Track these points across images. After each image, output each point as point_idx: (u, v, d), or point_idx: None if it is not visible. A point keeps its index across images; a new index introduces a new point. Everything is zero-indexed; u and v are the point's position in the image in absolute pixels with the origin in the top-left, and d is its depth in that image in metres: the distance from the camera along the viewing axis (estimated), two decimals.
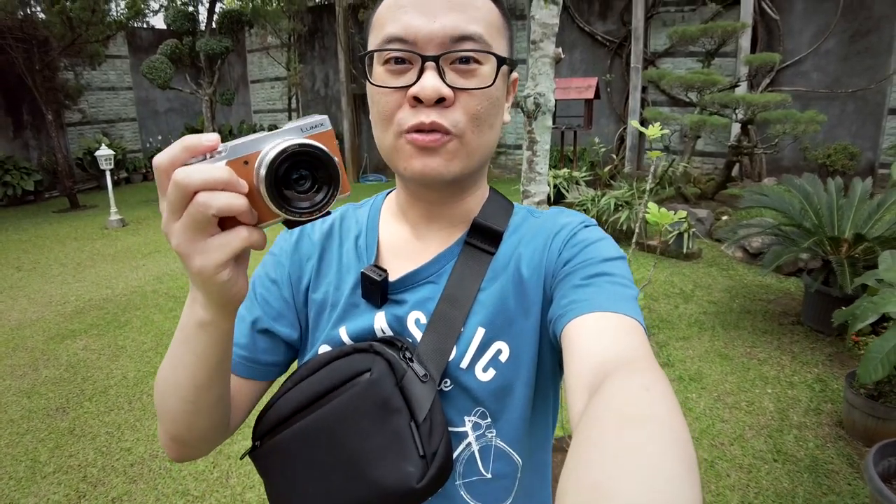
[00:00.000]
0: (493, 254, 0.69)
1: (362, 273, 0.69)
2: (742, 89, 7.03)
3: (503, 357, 0.66)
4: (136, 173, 12.15)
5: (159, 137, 13.03)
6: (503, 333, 0.66)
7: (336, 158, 0.48)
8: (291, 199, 0.47)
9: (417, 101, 0.59)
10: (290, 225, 0.50)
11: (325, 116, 0.50)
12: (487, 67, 0.61)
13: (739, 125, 5.47)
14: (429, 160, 0.61)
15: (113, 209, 7.98)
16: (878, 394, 2.55)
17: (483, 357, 0.66)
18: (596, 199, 5.31)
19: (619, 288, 0.60)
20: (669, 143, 6.81)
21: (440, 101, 0.59)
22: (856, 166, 7.07)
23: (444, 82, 0.59)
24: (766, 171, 7.70)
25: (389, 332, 0.69)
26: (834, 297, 3.40)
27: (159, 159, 0.46)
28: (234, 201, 0.44)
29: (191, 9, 9.36)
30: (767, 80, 7.53)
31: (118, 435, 2.98)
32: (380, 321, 0.69)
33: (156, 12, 10.37)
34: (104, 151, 7.75)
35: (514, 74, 0.69)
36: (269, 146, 0.46)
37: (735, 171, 7.13)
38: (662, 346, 3.64)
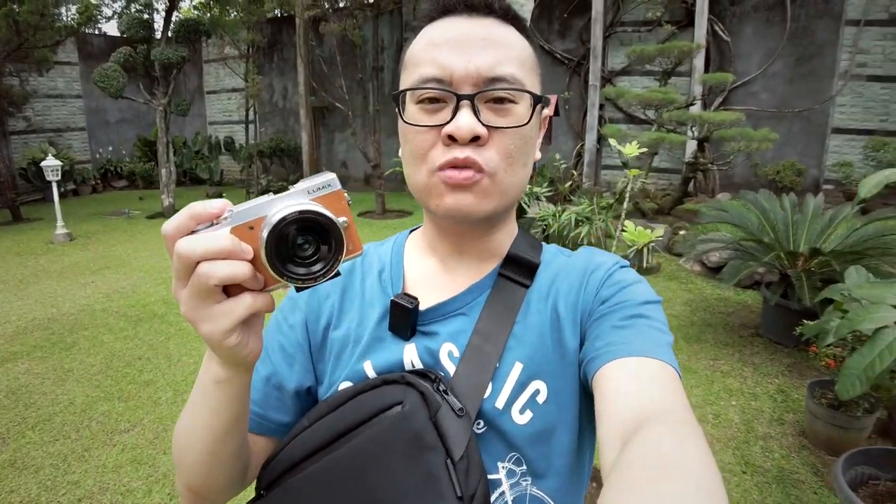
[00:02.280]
0: (527, 286, 0.67)
1: (392, 301, 0.66)
2: (696, 108, 7.28)
3: (540, 398, 0.62)
4: (84, 185, 11.68)
5: (110, 148, 12.57)
6: (541, 372, 0.63)
7: (341, 219, 0.47)
8: (292, 265, 0.46)
9: (452, 139, 0.59)
10: (297, 289, 0.49)
11: (334, 176, 0.48)
12: (522, 106, 0.61)
13: (696, 142, 5.65)
14: (461, 197, 0.60)
15: (59, 222, 7.61)
16: (838, 403, 2.62)
17: (520, 397, 0.62)
18: (557, 215, 5.37)
19: (656, 333, 0.58)
20: (627, 159, 6.98)
21: (475, 140, 0.59)
22: (802, 182, 7.40)
23: (479, 121, 0.58)
24: (720, 187, 7.96)
25: (420, 366, 0.64)
26: (793, 310, 3.50)
27: (166, 228, 0.46)
28: (236, 270, 0.44)
29: (146, 16, 9.09)
30: (720, 100, 7.83)
31: (64, 467, 2.77)
32: (410, 353, 0.65)
33: (109, 18, 10.03)
34: (50, 162, 7.40)
35: (547, 111, 0.69)
36: (274, 212, 0.45)
37: (690, 186, 7.35)
38: None
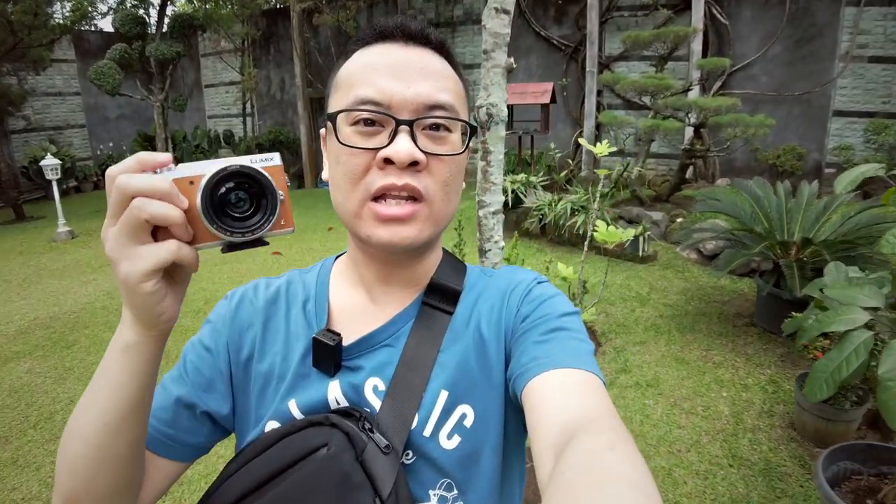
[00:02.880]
0: (451, 314, 0.68)
1: (314, 339, 0.66)
2: (695, 93, 7.20)
3: (468, 422, 0.63)
4: (86, 182, 11.72)
5: (110, 144, 12.60)
6: (467, 396, 0.64)
7: (279, 191, 0.50)
8: (226, 218, 0.48)
9: (388, 163, 0.59)
10: (225, 249, 0.51)
11: (278, 153, 0.52)
12: (456, 135, 0.63)
13: (692, 129, 5.61)
14: (397, 229, 0.60)
15: (61, 220, 7.67)
16: (827, 397, 2.62)
17: (447, 423, 0.63)
18: (553, 204, 5.36)
19: (577, 343, 0.60)
20: (625, 146, 6.92)
21: (412, 165, 0.59)
22: (803, 166, 7.33)
23: (416, 147, 0.59)
24: (720, 172, 7.90)
25: (345, 403, 0.64)
26: (784, 299, 3.49)
27: (112, 169, 0.48)
28: (168, 211, 0.46)
29: (140, 12, 9.06)
30: (718, 84, 7.74)
31: None
32: (334, 391, 0.65)
33: (104, 15, 10.01)
34: (49, 161, 7.43)
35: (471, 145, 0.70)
36: (215, 167, 0.48)
37: (689, 172, 7.30)
38: (619, 352, 3.68)
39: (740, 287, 4.69)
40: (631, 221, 5.47)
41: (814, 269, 3.40)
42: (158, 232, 0.48)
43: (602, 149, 1.61)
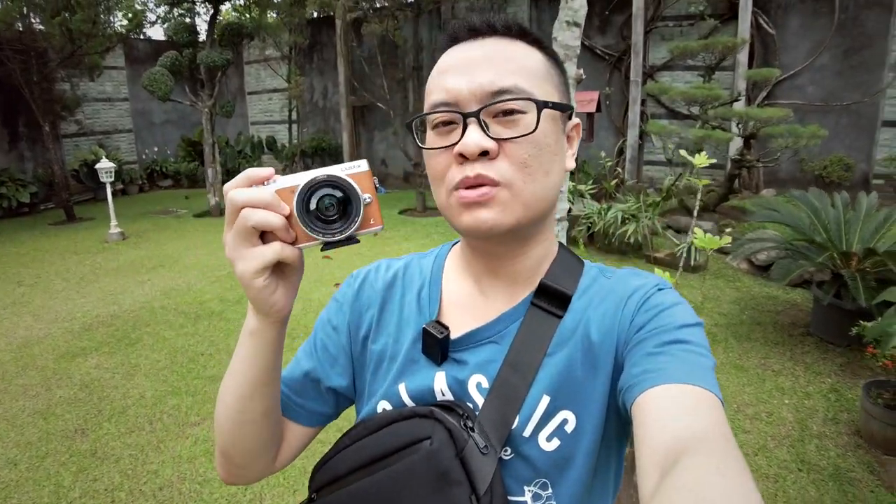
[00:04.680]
0: (560, 317, 0.67)
1: (423, 329, 0.69)
2: (741, 104, 7.16)
3: (569, 427, 0.63)
4: (132, 185, 12.09)
5: (155, 149, 12.98)
6: (570, 403, 0.64)
7: (365, 196, 0.56)
8: (318, 222, 0.55)
9: (463, 157, 0.60)
10: (323, 248, 0.57)
11: (365, 161, 0.57)
12: (530, 116, 0.61)
13: (742, 139, 5.59)
14: (479, 212, 0.61)
15: (113, 222, 7.92)
16: (895, 403, 2.62)
17: (547, 426, 0.64)
18: (602, 212, 5.38)
19: (695, 357, 0.57)
20: (673, 156, 6.92)
21: (484, 155, 0.60)
22: (851, 177, 7.22)
23: (486, 135, 0.60)
24: (764, 183, 7.83)
25: (450, 396, 0.67)
26: (846, 309, 3.48)
27: (227, 186, 0.56)
28: (270, 218, 0.54)
29: (188, 20, 9.37)
30: (764, 94, 7.68)
31: (142, 458, 2.94)
32: (440, 382, 0.68)
33: (153, 23, 10.36)
34: (105, 164, 7.71)
35: (575, 120, 0.70)
36: (308, 178, 0.55)
37: (735, 183, 7.24)
38: None
39: (793, 297, 4.65)
40: (679, 231, 5.46)
41: (878, 280, 3.38)
42: (266, 236, 0.56)
43: (702, 160, 1.66)
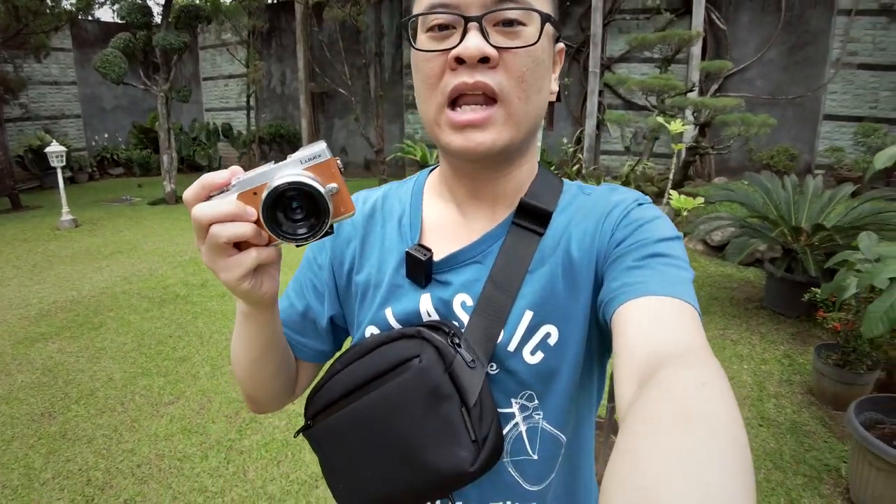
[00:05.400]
0: (541, 234, 0.67)
1: (406, 253, 0.69)
2: (694, 94, 7.47)
3: (552, 340, 0.65)
4: (81, 173, 11.60)
5: (105, 136, 12.47)
6: (552, 317, 0.65)
7: (330, 186, 0.53)
8: (286, 226, 0.53)
9: (460, 62, 0.58)
10: (297, 245, 0.56)
11: (323, 145, 0.53)
12: (531, 28, 0.59)
13: (697, 127, 5.85)
14: (473, 134, 0.60)
15: (65, 209, 7.62)
16: (843, 363, 2.86)
17: (531, 340, 0.65)
18: None
19: (674, 270, 0.57)
20: (630, 144, 7.18)
21: (484, 62, 0.58)
22: (795, 167, 7.65)
23: (487, 42, 0.57)
24: (715, 171, 8.20)
25: (436, 316, 0.68)
26: (797, 281, 3.73)
27: (185, 196, 0.54)
28: (240, 230, 0.52)
29: (141, 1, 9.05)
30: (716, 86, 8.04)
31: (116, 437, 2.88)
32: (426, 304, 0.68)
33: (102, 4, 9.93)
34: (55, 148, 7.39)
35: (560, 45, 0.68)
36: (272, 181, 0.52)
37: (689, 170, 7.56)
38: None
39: (747, 275, 4.94)
40: None
41: (825, 253, 3.64)
42: (241, 243, 0.54)
43: (677, 126, 1.77)
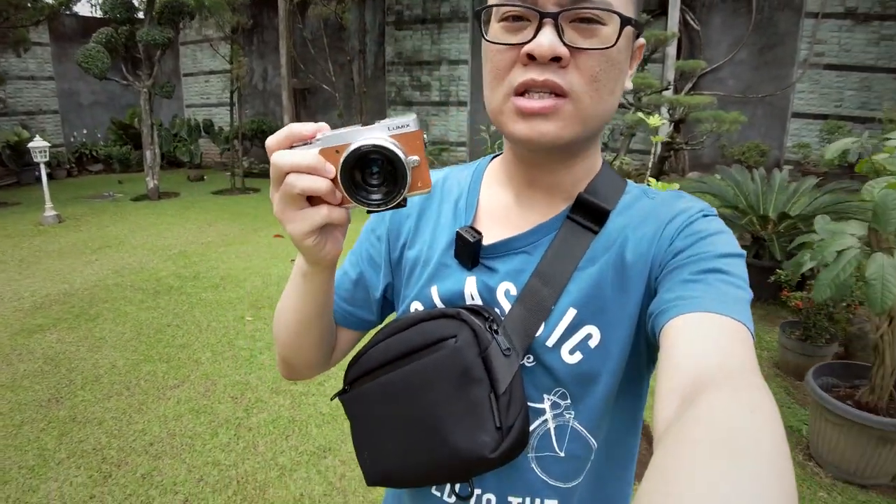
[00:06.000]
0: (596, 232, 0.65)
1: (457, 232, 0.69)
2: (669, 93, 7.76)
3: (593, 342, 0.63)
4: (59, 169, 11.45)
5: (84, 131, 12.33)
6: (595, 318, 0.63)
7: (412, 157, 0.52)
8: (363, 190, 0.53)
9: (531, 59, 0.56)
10: (368, 211, 0.55)
11: (415, 117, 0.53)
12: (609, 28, 0.57)
13: (672, 124, 6.13)
14: (538, 124, 0.58)
15: (48, 204, 7.56)
16: (805, 337, 3.14)
17: (571, 339, 0.63)
18: None
19: (732, 289, 0.54)
20: (608, 140, 7.44)
21: (556, 61, 0.56)
22: (765, 162, 8.01)
23: (561, 41, 0.56)
24: (689, 167, 8.53)
25: (479, 300, 0.68)
26: (765, 267, 4.02)
27: (269, 142, 0.54)
28: (316, 184, 0.51)
29: None
30: (690, 85, 8.36)
31: (126, 419, 2.99)
32: (470, 286, 0.68)
33: None
34: (38, 143, 7.34)
35: (641, 40, 0.65)
36: (356, 141, 0.52)
37: (664, 166, 7.87)
38: None
39: None
40: None
41: (790, 241, 3.93)
42: (313, 198, 0.53)
43: (655, 120, 1.98)
